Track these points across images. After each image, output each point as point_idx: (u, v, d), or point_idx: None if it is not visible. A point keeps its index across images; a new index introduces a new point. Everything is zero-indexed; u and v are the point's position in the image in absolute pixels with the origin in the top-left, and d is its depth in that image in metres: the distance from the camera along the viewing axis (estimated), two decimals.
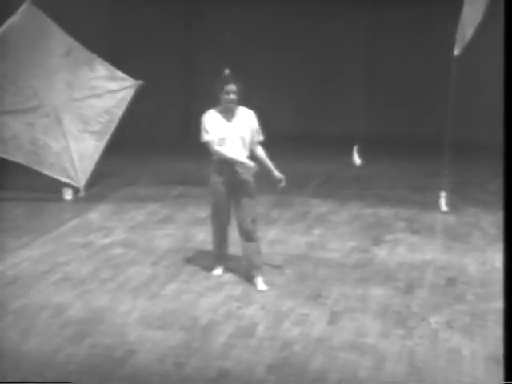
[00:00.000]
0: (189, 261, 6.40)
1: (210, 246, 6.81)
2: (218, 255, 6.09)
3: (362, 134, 9.85)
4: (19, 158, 8.84)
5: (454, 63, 7.89)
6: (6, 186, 9.06)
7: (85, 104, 9.04)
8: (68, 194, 8.88)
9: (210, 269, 6.11)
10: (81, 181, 9.04)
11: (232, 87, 5.58)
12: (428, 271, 6.19)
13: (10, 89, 8.66)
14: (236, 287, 5.71)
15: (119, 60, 9.90)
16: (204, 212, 8.16)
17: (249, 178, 5.71)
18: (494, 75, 10.37)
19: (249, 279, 5.79)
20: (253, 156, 5.76)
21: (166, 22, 13.75)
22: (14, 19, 8.50)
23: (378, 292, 5.64)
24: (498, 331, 4.74)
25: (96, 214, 8.13)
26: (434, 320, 5.07)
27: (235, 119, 5.67)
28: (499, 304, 5.06)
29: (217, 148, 5.61)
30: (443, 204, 8.34)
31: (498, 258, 6.37)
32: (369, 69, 13.56)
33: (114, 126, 9.11)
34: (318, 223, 7.84)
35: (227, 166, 5.65)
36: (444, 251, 6.80)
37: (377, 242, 7.10)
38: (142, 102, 9.48)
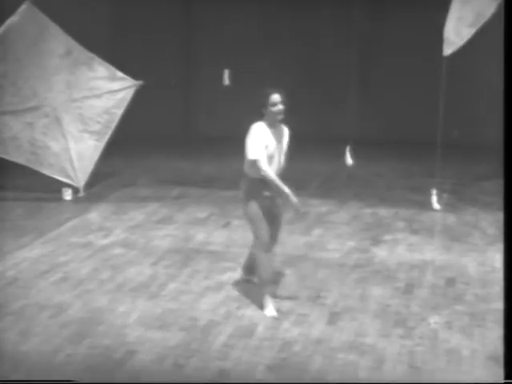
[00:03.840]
0: (188, 261, 6.40)
1: (209, 246, 6.83)
2: (267, 282, 5.35)
3: (361, 135, 9.87)
4: (19, 159, 8.84)
5: (444, 63, 7.90)
6: (5, 186, 9.07)
7: (84, 104, 9.04)
8: (67, 194, 8.88)
9: (210, 268, 6.12)
10: (80, 181, 9.04)
11: (277, 97, 5.08)
12: (427, 271, 6.19)
13: (10, 89, 8.66)
14: (235, 288, 5.71)
15: (119, 60, 9.89)
16: (203, 212, 8.18)
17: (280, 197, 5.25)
18: (490, 74, 10.43)
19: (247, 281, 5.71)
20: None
21: (166, 22, 13.76)
22: (13, 19, 8.50)
23: (377, 292, 5.65)
24: (497, 331, 4.75)
25: (95, 214, 8.13)
26: (434, 320, 5.07)
27: (281, 136, 5.25)
28: (498, 304, 5.07)
29: (266, 169, 5.05)
30: (435, 202, 8.44)
31: (497, 259, 6.38)
32: (366, 69, 13.57)
33: (113, 126, 9.12)
34: (317, 224, 7.84)
35: (266, 183, 5.12)
36: (443, 251, 6.81)
37: (376, 242, 7.11)
38: (141, 102, 9.49)
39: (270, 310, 5.21)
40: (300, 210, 5.13)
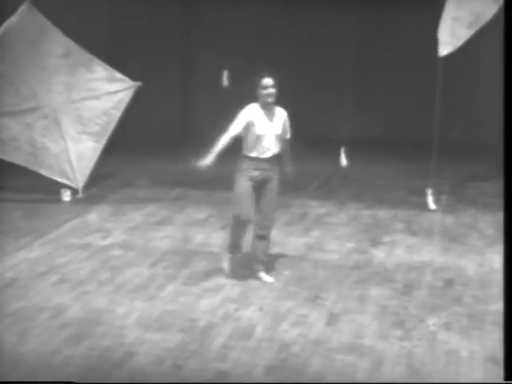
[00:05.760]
0: (187, 262, 6.40)
1: (208, 248, 6.83)
2: (232, 248, 6.05)
3: (357, 136, 9.86)
4: (18, 160, 8.83)
5: (440, 63, 7.90)
6: (4, 187, 9.05)
7: (83, 105, 9.04)
8: (66, 196, 8.88)
9: (209, 270, 6.13)
10: (79, 182, 9.04)
11: (269, 81, 5.67)
12: (426, 272, 6.19)
13: (9, 90, 8.65)
14: (234, 289, 5.71)
15: (118, 61, 9.88)
16: (202, 213, 8.18)
17: (276, 175, 5.81)
18: (488, 73, 10.43)
19: (252, 272, 5.96)
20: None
21: (165, 23, 13.75)
22: (12, 20, 8.49)
23: (376, 293, 5.65)
24: (496, 332, 4.75)
25: (94, 216, 8.13)
26: (432, 321, 5.07)
27: (274, 117, 5.75)
28: (497, 305, 5.07)
29: (222, 137, 5.68)
30: (431, 202, 8.43)
31: (496, 260, 6.38)
32: (362, 69, 13.57)
33: (112, 127, 9.12)
34: (316, 225, 7.84)
35: (257, 161, 5.71)
36: (442, 252, 6.81)
37: (375, 243, 7.11)
38: (140, 103, 9.49)
39: (267, 278, 5.87)
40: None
